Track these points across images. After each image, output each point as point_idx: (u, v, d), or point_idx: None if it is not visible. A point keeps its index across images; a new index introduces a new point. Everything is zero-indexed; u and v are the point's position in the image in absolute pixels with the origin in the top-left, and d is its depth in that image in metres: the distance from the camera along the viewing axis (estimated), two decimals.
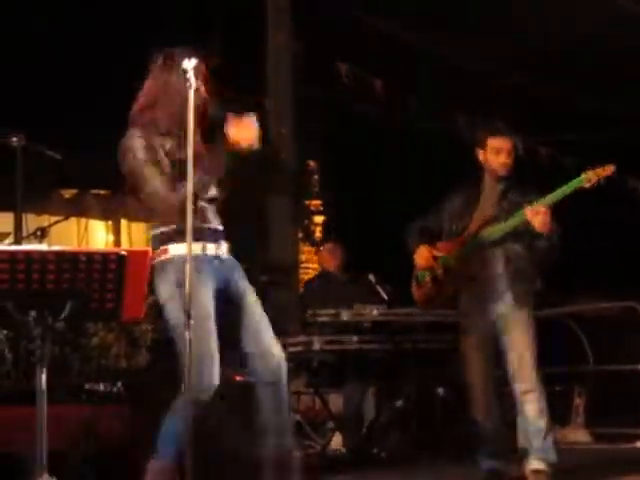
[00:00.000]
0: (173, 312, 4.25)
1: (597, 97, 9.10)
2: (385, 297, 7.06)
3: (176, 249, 4.27)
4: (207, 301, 4.28)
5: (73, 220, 9.14)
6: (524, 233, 5.30)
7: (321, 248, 7.66)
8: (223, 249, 4.41)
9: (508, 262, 5.38)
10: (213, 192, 4.43)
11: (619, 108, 9.19)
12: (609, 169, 5.18)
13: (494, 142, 5.38)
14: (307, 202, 13.11)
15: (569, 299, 8.93)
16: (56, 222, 7.48)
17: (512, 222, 5.30)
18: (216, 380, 4.25)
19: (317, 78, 9.19)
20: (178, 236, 4.23)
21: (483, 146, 5.42)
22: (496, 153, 5.37)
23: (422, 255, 5.52)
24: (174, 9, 8.04)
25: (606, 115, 9.29)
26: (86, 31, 7.87)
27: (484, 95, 8.92)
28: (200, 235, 4.26)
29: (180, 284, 4.10)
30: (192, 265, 3.95)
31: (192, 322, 3.90)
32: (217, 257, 4.38)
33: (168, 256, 4.30)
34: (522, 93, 9.17)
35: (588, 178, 5.15)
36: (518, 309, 5.37)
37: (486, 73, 9.08)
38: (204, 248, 4.33)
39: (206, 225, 4.38)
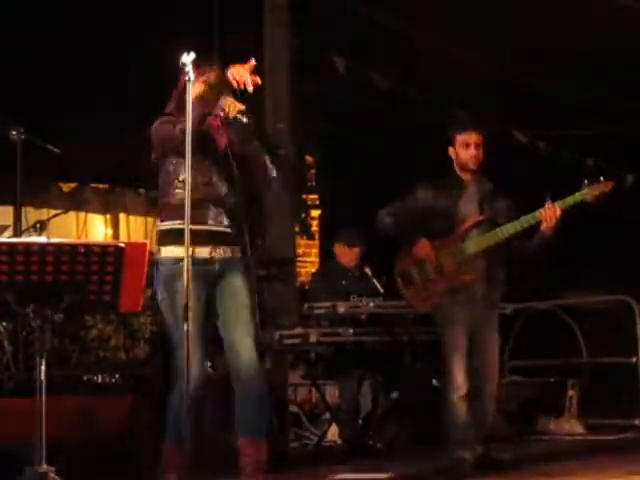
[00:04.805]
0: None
1: (597, 92, 9.13)
2: (381, 290, 7.07)
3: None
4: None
5: (72, 213, 9.16)
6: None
7: (341, 242, 7.55)
8: (219, 251, 4.48)
9: (488, 268, 5.49)
10: (219, 192, 4.51)
11: (620, 103, 9.22)
12: (609, 185, 5.36)
13: (462, 137, 5.53)
14: (304, 196, 13.10)
15: (563, 292, 8.97)
16: (55, 215, 7.51)
17: (522, 224, 5.39)
18: (198, 372, 4.39)
19: (314, 73, 9.22)
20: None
21: (452, 142, 5.57)
22: (465, 147, 5.52)
23: (424, 248, 5.50)
24: (174, 8, 8.06)
25: (606, 110, 9.31)
26: (86, 28, 7.89)
27: (484, 90, 8.95)
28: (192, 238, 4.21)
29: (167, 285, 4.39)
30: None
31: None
32: (207, 260, 4.45)
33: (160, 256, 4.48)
34: (523, 88, 9.20)
35: (592, 194, 5.32)
36: (492, 325, 5.53)
37: (486, 68, 9.10)
38: (193, 252, 4.30)
39: (201, 227, 4.43)
